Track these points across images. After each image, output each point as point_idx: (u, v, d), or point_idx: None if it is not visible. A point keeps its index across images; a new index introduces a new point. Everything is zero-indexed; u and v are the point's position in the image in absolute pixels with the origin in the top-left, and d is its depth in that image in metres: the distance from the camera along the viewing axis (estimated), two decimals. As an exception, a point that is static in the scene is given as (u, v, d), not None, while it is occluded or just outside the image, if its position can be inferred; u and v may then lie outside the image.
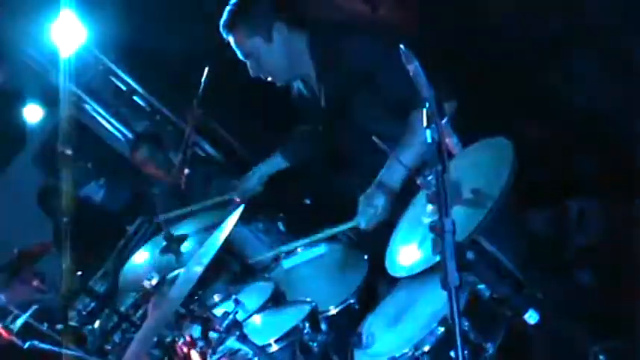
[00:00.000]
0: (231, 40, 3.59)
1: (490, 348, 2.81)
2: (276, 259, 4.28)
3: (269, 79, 3.66)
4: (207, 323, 2.84)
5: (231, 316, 2.73)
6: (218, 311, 2.87)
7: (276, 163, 4.32)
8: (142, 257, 4.20)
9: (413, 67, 2.23)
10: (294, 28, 3.58)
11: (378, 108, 3.47)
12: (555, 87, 4.18)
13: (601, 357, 2.84)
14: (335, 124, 3.73)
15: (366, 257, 3.78)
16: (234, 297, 2.98)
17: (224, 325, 2.72)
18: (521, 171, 2.62)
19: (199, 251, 3.15)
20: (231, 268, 4.69)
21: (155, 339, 3.54)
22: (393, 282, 3.31)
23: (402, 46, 2.19)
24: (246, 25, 3.54)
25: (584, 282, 3.86)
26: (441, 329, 2.81)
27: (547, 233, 4.17)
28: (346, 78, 3.50)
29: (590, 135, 4.17)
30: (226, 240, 3.04)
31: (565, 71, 4.11)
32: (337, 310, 3.47)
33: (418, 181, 3.02)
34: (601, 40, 3.92)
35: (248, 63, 3.61)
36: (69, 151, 5.09)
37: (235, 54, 3.66)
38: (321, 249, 4.10)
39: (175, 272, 3.05)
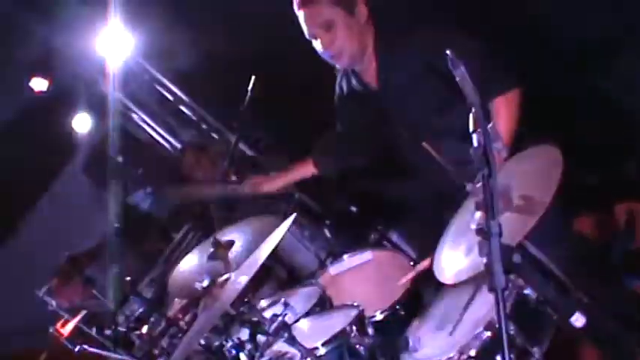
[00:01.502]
0: (302, 13, 3.52)
1: (536, 352, 2.82)
2: (323, 265, 4.33)
3: (333, 59, 3.62)
4: (255, 326, 2.88)
5: (280, 319, 2.77)
6: (267, 314, 2.91)
7: (304, 170, 4.25)
8: (190, 263, 4.23)
9: (460, 72, 2.26)
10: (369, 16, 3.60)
11: (438, 99, 3.48)
12: (606, 89, 4.17)
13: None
14: (391, 117, 3.73)
15: (412, 263, 3.81)
16: (282, 299, 3.02)
17: (273, 327, 2.76)
18: (570, 174, 2.64)
19: (247, 260, 3.19)
20: (277, 275, 4.74)
21: (203, 342, 3.59)
22: (439, 287, 3.33)
23: (448, 51, 2.21)
24: None
25: (632, 286, 3.84)
26: (487, 334, 2.83)
27: (595, 237, 4.15)
28: (409, 67, 3.52)
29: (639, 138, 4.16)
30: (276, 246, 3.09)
31: (616, 73, 4.09)
32: (383, 316, 3.51)
33: (467, 188, 3.05)
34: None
35: (319, 38, 3.53)
36: (119, 159, 5.19)
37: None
38: (368, 255, 4.13)
39: (225, 276, 3.08)
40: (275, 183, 4.31)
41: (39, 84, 5.81)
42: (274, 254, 4.67)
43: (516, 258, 2.18)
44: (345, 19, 3.51)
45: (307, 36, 3.58)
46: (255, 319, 2.87)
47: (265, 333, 2.83)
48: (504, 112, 3.37)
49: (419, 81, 3.49)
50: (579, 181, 4.21)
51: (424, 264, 3.48)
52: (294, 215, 3.29)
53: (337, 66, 3.74)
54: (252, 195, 4.35)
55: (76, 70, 5.78)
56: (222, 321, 3.34)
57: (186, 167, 5.84)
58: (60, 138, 6.26)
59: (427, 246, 3.15)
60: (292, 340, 2.80)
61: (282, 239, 3.19)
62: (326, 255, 4.50)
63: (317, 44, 3.58)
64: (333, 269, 4.14)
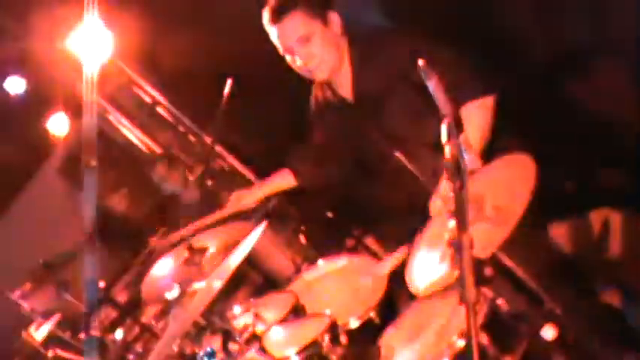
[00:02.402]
0: (277, 28, 3.47)
1: (509, 363, 2.82)
2: (298, 271, 4.31)
3: (312, 74, 3.57)
4: (226, 335, 2.86)
5: (250, 329, 2.75)
6: (238, 324, 2.89)
7: (283, 181, 4.20)
8: (164, 268, 4.19)
9: (432, 82, 2.25)
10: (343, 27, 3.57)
11: (411, 111, 3.47)
12: (581, 97, 4.17)
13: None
14: (363, 128, 3.71)
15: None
16: (253, 310, 3.00)
17: (243, 337, 2.74)
18: (543, 183, 2.63)
19: (220, 265, 3.17)
20: (252, 280, 4.71)
21: (175, 349, 3.56)
22: (413, 295, 3.31)
23: (420, 62, 2.20)
24: (309, 6, 3.46)
25: (608, 296, 3.84)
26: (460, 343, 2.82)
27: (570, 246, 4.15)
28: (383, 78, 3.50)
29: (614, 146, 4.16)
30: (248, 253, 3.07)
31: (591, 82, 4.09)
32: (357, 323, 3.49)
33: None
34: (628, 50, 3.90)
35: (297, 52, 3.50)
36: (94, 162, 5.14)
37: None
38: (343, 261, 4.11)
39: (196, 285, 3.06)
40: (254, 196, 4.25)
41: (14, 85, 5.76)
42: (249, 260, 4.67)
43: (488, 271, 2.17)
44: (321, 31, 3.48)
45: (282, 51, 3.54)
46: (225, 328, 2.85)
47: (236, 342, 2.80)
48: (476, 118, 3.35)
49: (394, 91, 3.47)
50: (554, 188, 4.22)
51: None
52: (264, 223, 3.26)
53: (318, 79, 3.70)
54: (235, 213, 4.30)
55: (52, 71, 5.73)
56: (194, 329, 3.31)
57: (156, 177, 5.83)
58: (36, 139, 6.21)
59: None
60: (262, 351, 2.79)
61: (255, 246, 3.18)
62: (301, 260, 4.48)
63: (293, 59, 3.54)
64: (308, 275, 4.12)
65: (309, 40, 3.47)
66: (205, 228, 4.00)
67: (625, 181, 4.21)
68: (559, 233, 4.07)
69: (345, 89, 3.66)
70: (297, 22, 3.46)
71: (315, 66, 3.52)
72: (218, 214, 4.15)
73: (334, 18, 3.52)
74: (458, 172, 2.16)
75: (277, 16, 3.47)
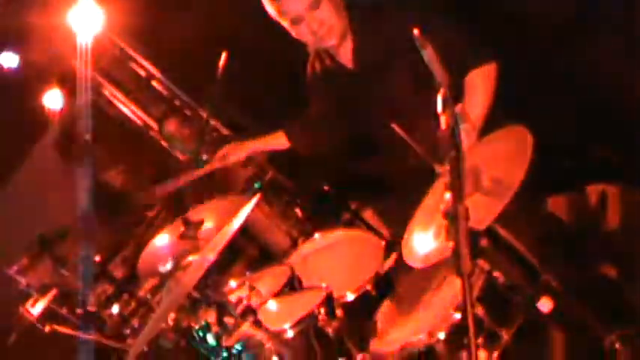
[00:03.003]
0: (280, 1, 3.40)
1: (505, 334, 2.81)
2: (294, 244, 4.30)
3: (322, 41, 3.49)
4: (222, 308, 2.86)
5: (245, 302, 2.74)
6: (233, 297, 2.88)
7: (275, 141, 4.20)
8: (160, 242, 4.17)
9: (427, 52, 2.22)
10: None
11: (412, 80, 3.44)
12: (577, 70, 4.15)
13: (617, 345, 2.83)
14: (364, 97, 3.68)
15: (383, 243, 3.78)
16: (249, 283, 2.99)
17: (239, 311, 2.73)
18: (541, 156, 2.61)
19: (215, 238, 3.16)
20: (248, 254, 4.70)
21: (171, 323, 3.56)
22: (410, 268, 3.30)
23: (415, 31, 2.17)
24: None
25: (604, 269, 3.83)
26: (457, 315, 2.81)
27: (567, 219, 4.14)
28: (386, 45, 3.46)
29: (612, 120, 4.14)
30: (244, 226, 3.05)
31: (588, 55, 4.07)
32: (354, 296, 3.49)
33: (436, 170, 3.03)
34: (625, 24, 3.88)
35: (307, 19, 3.38)
36: (88, 137, 5.12)
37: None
38: (339, 235, 4.11)
39: (190, 258, 3.05)
40: (242, 150, 4.22)
41: (9, 60, 5.73)
42: (246, 233, 4.66)
43: (483, 242, 2.16)
44: None
45: (289, 22, 3.47)
46: (221, 301, 2.85)
47: (232, 316, 2.80)
48: (479, 85, 3.33)
49: (395, 59, 3.44)
50: (552, 162, 4.21)
51: None
52: (258, 195, 3.24)
53: (327, 46, 3.65)
54: (224, 166, 4.28)
55: (47, 45, 5.70)
56: (189, 302, 3.30)
57: (165, 135, 5.76)
58: (31, 114, 6.19)
59: (403, 225, 3.12)
60: (258, 324, 2.78)
61: (251, 219, 3.16)
62: (297, 234, 4.47)
63: (302, 29, 3.49)
64: (305, 248, 4.11)
65: (318, 5, 3.41)
66: (194, 180, 4.00)
67: (622, 156, 4.20)
68: (557, 207, 4.06)
69: (346, 57, 3.62)
70: None
71: (326, 32, 3.46)
72: (207, 167, 4.14)
73: None
74: (454, 142, 2.14)
75: None
